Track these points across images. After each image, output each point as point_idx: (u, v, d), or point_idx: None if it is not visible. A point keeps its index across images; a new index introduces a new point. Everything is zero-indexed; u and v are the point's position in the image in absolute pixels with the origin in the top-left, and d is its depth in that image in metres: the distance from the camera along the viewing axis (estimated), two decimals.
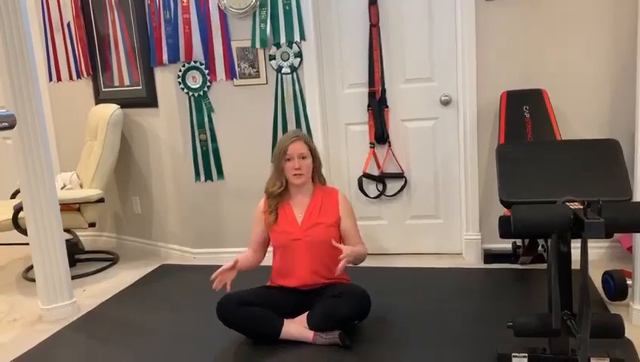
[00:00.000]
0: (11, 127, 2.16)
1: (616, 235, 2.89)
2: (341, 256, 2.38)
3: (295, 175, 2.54)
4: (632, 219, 1.81)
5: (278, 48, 3.40)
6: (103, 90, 4.03)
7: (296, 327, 2.47)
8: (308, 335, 2.44)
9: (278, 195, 2.60)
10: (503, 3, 3.09)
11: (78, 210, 3.67)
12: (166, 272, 3.61)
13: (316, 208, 2.60)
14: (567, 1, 3.02)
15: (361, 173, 3.48)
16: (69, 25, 4.05)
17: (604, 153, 2.13)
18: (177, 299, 3.12)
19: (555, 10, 3.04)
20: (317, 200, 2.61)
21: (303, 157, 2.54)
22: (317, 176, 2.64)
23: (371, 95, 3.39)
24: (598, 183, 2.03)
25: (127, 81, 3.88)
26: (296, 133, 2.64)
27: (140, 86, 3.79)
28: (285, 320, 2.48)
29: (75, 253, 3.85)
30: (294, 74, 3.42)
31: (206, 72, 3.52)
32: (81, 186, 3.82)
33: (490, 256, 3.29)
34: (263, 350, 2.46)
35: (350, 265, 2.48)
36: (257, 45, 3.40)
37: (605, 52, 3.02)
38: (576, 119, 3.10)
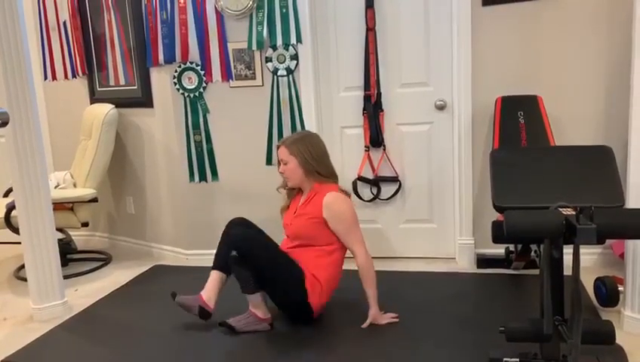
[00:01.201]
0: (4, 124, 2.16)
1: (608, 242, 2.90)
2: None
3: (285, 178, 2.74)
4: (624, 225, 1.81)
5: (274, 50, 3.40)
6: (99, 89, 4.02)
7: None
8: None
9: (292, 189, 2.79)
10: (499, 9, 3.11)
11: (71, 209, 3.66)
12: (159, 273, 3.60)
13: (306, 202, 2.71)
14: (563, 9, 3.04)
15: (356, 177, 3.49)
16: (64, 24, 4.04)
17: (598, 159, 2.14)
18: (170, 300, 3.10)
19: (551, 17, 3.06)
20: (310, 196, 2.70)
21: (285, 163, 2.69)
22: (308, 175, 2.69)
23: (367, 98, 3.39)
24: (590, 189, 2.04)
25: (122, 81, 3.87)
26: (283, 139, 2.77)
27: (135, 86, 3.78)
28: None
29: (68, 252, 3.84)
30: (290, 76, 3.42)
31: (202, 73, 3.52)
32: (75, 186, 3.81)
33: (483, 261, 3.30)
34: (257, 349, 2.46)
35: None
36: (254, 47, 3.40)
37: (600, 59, 3.04)
38: (570, 125, 3.11)
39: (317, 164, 2.68)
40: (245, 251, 2.53)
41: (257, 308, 2.63)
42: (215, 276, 2.75)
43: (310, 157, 2.67)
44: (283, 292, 2.62)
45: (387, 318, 2.65)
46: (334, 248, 2.66)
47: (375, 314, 2.63)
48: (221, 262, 2.73)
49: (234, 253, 2.54)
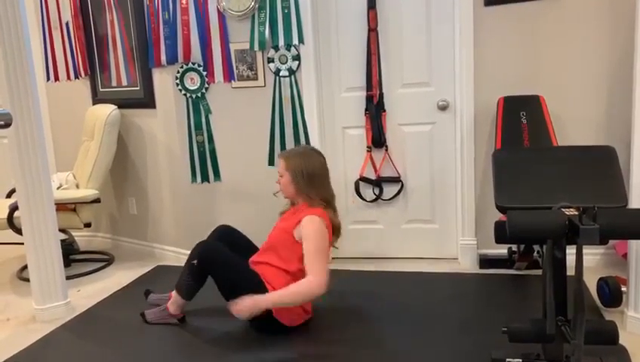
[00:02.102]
0: (7, 125, 2.17)
1: (611, 242, 2.89)
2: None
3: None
4: (626, 225, 1.81)
5: (276, 51, 3.40)
6: (101, 90, 4.03)
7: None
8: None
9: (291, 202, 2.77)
10: (501, 9, 3.10)
11: (74, 210, 3.67)
12: (161, 273, 3.60)
13: (290, 214, 2.70)
14: (565, 9, 3.03)
15: (358, 177, 3.49)
16: (67, 24, 4.05)
17: (600, 160, 2.13)
18: None
19: (553, 17, 3.05)
20: (295, 211, 2.67)
21: (280, 175, 2.68)
22: (299, 193, 2.64)
23: (369, 99, 3.39)
24: (593, 190, 2.03)
25: (124, 82, 3.88)
26: (284, 151, 2.77)
27: (137, 87, 3.78)
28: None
29: (70, 253, 3.84)
30: (292, 77, 3.42)
31: (204, 73, 3.52)
32: (77, 186, 3.81)
33: (485, 261, 3.30)
34: (255, 351, 2.46)
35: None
36: (256, 48, 3.41)
37: (602, 59, 3.03)
38: (572, 125, 3.11)
39: (307, 186, 2.61)
40: (205, 264, 2.56)
41: (175, 306, 2.75)
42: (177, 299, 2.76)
43: (301, 176, 2.61)
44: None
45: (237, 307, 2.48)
46: (296, 269, 2.56)
47: (250, 301, 2.44)
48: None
49: (194, 261, 2.58)
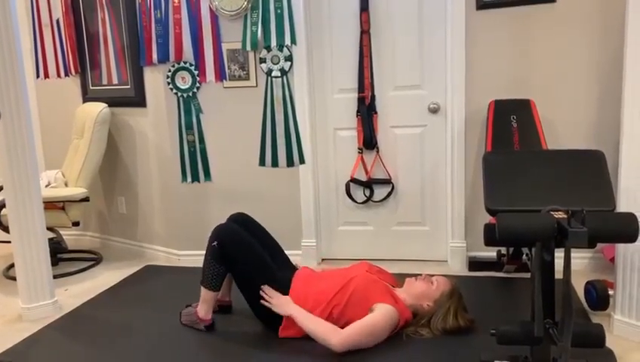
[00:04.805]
0: None
1: (599, 246, 2.91)
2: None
3: None
4: (614, 229, 1.82)
5: (268, 51, 3.40)
6: (91, 88, 4.00)
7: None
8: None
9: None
10: (493, 13, 3.12)
11: (63, 208, 3.64)
12: (150, 273, 3.58)
13: (380, 277, 2.62)
14: (556, 14, 3.05)
15: (349, 178, 3.49)
16: (58, 22, 4.02)
17: (589, 164, 2.15)
18: (161, 301, 3.10)
19: (544, 22, 3.07)
20: (390, 285, 2.61)
21: (431, 283, 2.56)
22: (420, 308, 2.55)
23: (361, 101, 3.40)
24: (582, 193, 2.05)
25: (115, 80, 3.86)
26: (457, 291, 2.55)
27: (128, 85, 3.77)
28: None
29: (58, 252, 3.82)
30: (284, 77, 3.42)
31: (195, 72, 3.51)
32: (66, 185, 3.79)
33: (475, 264, 3.31)
34: (250, 350, 2.45)
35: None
36: (248, 48, 3.40)
37: (592, 64, 3.06)
38: (562, 129, 3.13)
39: (437, 309, 2.50)
40: (227, 243, 2.51)
41: (204, 304, 2.62)
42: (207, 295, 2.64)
43: (445, 307, 2.49)
44: (253, 301, 2.55)
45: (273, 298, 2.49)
46: (333, 317, 2.45)
47: (284, 301, 2.47)
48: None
49: (215, 243, 2.52)
